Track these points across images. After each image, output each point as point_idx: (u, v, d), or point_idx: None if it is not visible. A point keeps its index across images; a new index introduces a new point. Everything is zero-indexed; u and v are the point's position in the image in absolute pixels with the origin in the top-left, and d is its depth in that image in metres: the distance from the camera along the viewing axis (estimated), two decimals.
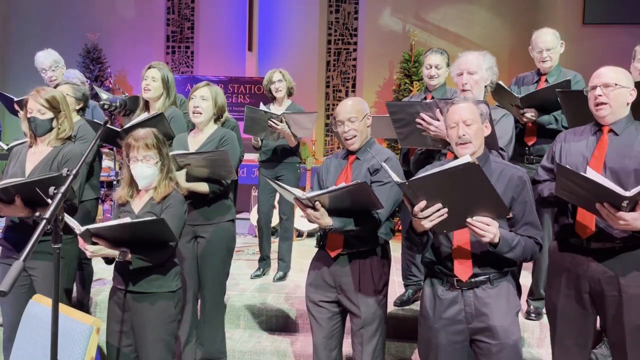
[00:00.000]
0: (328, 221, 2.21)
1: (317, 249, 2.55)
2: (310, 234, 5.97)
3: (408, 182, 1.85)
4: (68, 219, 2.12)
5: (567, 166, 2.03)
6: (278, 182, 2.29)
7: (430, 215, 1.87)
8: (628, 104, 2.21)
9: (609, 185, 1.91)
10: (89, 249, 2.17)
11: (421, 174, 1.93)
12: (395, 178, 1.89)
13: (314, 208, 2.18)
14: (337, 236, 2.36)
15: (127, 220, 2.18)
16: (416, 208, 1.88)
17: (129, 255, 2.20)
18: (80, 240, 2.18)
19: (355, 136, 2.40)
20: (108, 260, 2.33)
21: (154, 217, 2.17)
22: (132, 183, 2.41)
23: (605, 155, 2.18)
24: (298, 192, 2.21)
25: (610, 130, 2.21)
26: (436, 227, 1.91)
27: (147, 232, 2.19)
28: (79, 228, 2.13)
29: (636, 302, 2.14)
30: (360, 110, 2.42)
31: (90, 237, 2.16)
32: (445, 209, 1.87)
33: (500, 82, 2.77)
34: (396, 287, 3.95)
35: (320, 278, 2.45)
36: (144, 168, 2.34)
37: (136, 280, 2.30)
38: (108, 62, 8.20)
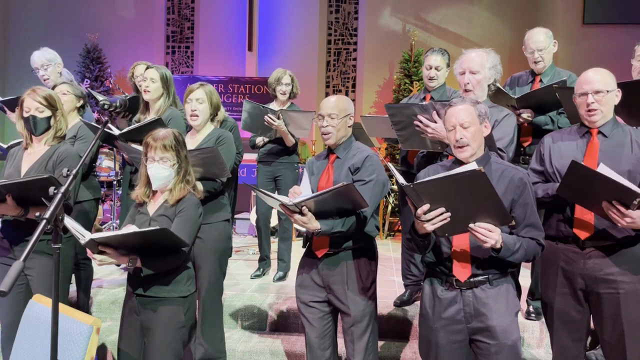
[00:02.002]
0: (316, 225, 2.21)
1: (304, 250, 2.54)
2: None
3: (413, 185, 1.85)
4: (72, 227, 2.08)
5: (581, 162, 2.05)
6: (262, 190, 2.29)
7: (432, 218, 1.88)
8: (614, 105, 2.27)
9: (624, 183, 1.94)
10: (97, 258, 2.14)
11: (426, 177, 1.94)
12: (401, 180, 1.90)
13: (302, 213, 2.18)
14: (323, 237, 2.36)
15: (132, 229, 2.15)
16: (419, 211, 1.89)
17: (139, 262, 2.17)
18: (88, 250, 2.15)
19: (331, 133, 2.42)
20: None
21: (157, 227, 2.12)
22: (149, 182, 2.38)
23: (598, 157, 2.21)
24: (284, 199, 2.21)
25: (599, 133, 2.25)
26: (438, 230, 1.92)
27: (155, 240, 2.15)
28: (83, 238, 2.09)
29: (633, 299, 2.16)
30: (342, 108, 2.43)
31: (97, 246, 2.12)
32: (448, 213, 1.88)
33: (497, 84, 2.78)
34: (396, 287, 3.95)
35: (309, 279, 2.46)
36: (160, 169, 2.31)
37: (147, 285, 2.27)
38: (108, 62, 8.20)
